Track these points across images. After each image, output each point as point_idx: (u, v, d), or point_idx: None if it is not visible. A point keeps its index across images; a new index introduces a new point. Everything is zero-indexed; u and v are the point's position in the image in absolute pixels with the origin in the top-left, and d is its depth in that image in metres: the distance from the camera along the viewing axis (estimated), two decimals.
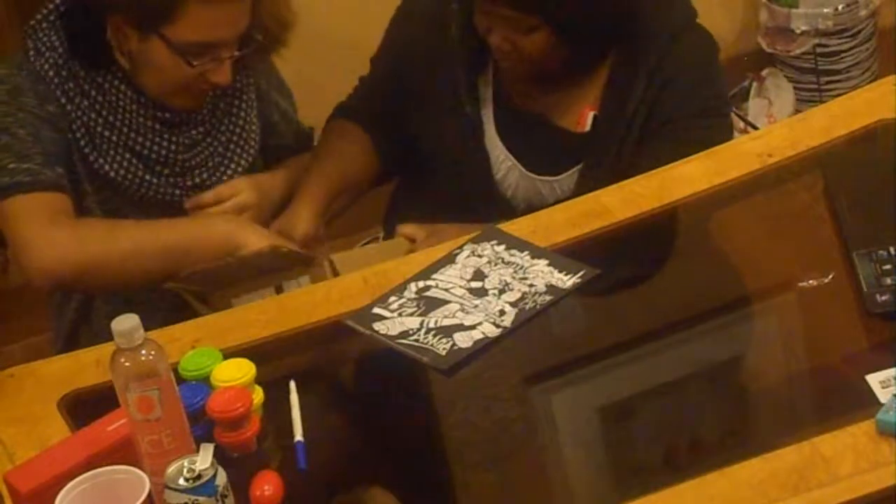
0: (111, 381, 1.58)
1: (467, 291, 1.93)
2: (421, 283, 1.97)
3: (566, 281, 1.92)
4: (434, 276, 1.98)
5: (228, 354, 1.82)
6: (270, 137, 2.35)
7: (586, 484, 1.68)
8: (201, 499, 1.50)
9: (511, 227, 2.06)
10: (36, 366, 1.97)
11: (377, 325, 1.89)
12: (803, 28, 3.45)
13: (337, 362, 1.99)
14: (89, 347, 1.97)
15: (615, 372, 1.81)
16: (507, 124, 2.26)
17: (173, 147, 2.20)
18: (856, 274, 1.80)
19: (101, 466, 1.58)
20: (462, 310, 1.90)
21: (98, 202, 2.20)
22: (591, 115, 2.24)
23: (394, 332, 1.87)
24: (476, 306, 1.90)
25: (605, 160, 2.21)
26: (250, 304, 2.04)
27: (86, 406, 1.83)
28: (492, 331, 1.85)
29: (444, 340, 1.84)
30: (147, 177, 2.19)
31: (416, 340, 1.85)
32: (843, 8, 3.42)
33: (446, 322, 1.88)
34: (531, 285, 1.92)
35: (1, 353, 2.37)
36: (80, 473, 1.57)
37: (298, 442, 1.71)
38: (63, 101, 2.13)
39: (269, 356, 1.89)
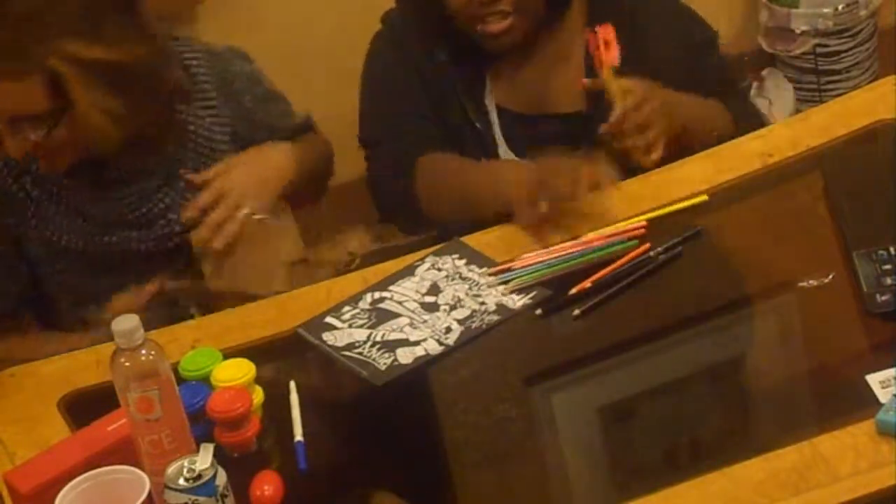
0: (111, 381, 1.58)
1: (419, 305, 1.93)
2: (377, 294, 1.96)
3: (517, 301, 1.91)
4: (391, 287, 1.97)
5: (228, 354, 1.82)
6: None
7: (586, 484, 1.68)
8: (201, 499, 1.50)
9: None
10: (36, 366, 1.97)
11: (326, 336, 1.90)
12: (803, 28, 3.44)
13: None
14: (89, 347, 1.97)
15: (615, 372, 1.81)
16: (517, 136, 2.22)
17: (124, 208, 2.14)
18: (856, 274, 1.80)
19: (101, 466, 1.58)
20: (411, 324, 1.89)
21: (63, 280, 2.17)
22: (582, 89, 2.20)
23: (340, 344, 1.87)
24: (425, 321, 1.90)
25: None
26: (250, 305, 2.04)
27: (86, 406, 1.83)
28: (434, 348, 1.85)
29: (386, 355, 1.84)
30: (106, 237, 2.15)
31: (360, 354, 1.85)
32: (843, 8, 3.42)
33: (393, 336, 1.88)
34: (482, 303, 1.91)
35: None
36: (80, 473, 1.57)
37: (298, 442, 1.71)
38: (10, 180, 2.09)
39: (269, 356, 1.90)
